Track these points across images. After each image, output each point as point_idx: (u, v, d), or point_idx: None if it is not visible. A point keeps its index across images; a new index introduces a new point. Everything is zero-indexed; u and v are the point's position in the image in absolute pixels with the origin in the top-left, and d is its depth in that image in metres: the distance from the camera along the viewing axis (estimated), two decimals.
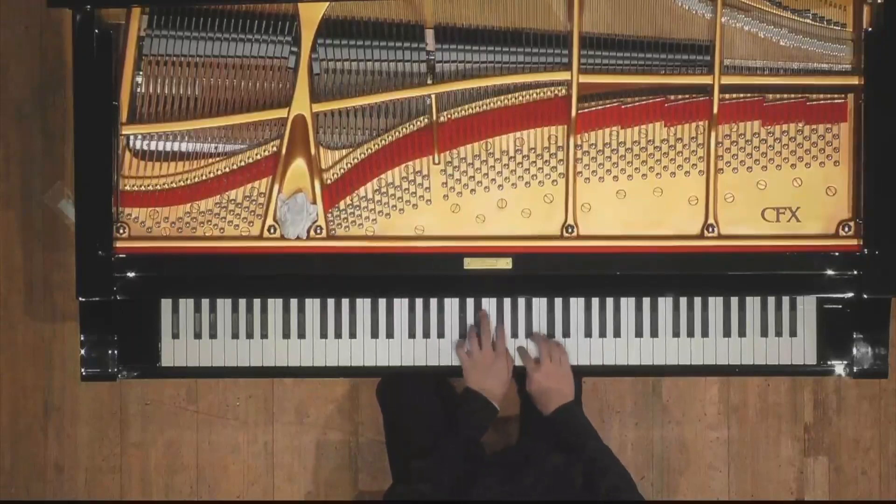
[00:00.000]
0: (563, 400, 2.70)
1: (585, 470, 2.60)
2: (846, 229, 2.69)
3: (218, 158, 2.68)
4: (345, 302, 2.77)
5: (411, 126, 2.68)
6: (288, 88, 2.67)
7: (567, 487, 2.52)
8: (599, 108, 2.69)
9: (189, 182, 2.68)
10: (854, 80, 2.68)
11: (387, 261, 2.67)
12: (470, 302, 2.77)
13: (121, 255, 2.65)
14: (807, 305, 2.77)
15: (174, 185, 2.68)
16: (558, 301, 2.78)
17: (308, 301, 2.77)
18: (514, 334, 2.77)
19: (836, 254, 2.67)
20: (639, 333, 2.78)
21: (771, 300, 2.77)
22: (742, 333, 2.78)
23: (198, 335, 2.77)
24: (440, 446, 2.64)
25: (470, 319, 2.77)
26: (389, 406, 2.94)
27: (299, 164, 2.68)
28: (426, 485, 2.56)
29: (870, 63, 2.66)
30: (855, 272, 2.67)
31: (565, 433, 2.68)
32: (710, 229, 2.69)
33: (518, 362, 2.76)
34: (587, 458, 2.62)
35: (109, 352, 2.71)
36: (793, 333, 2.77)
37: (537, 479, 2.51)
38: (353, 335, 2.78)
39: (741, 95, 2.69)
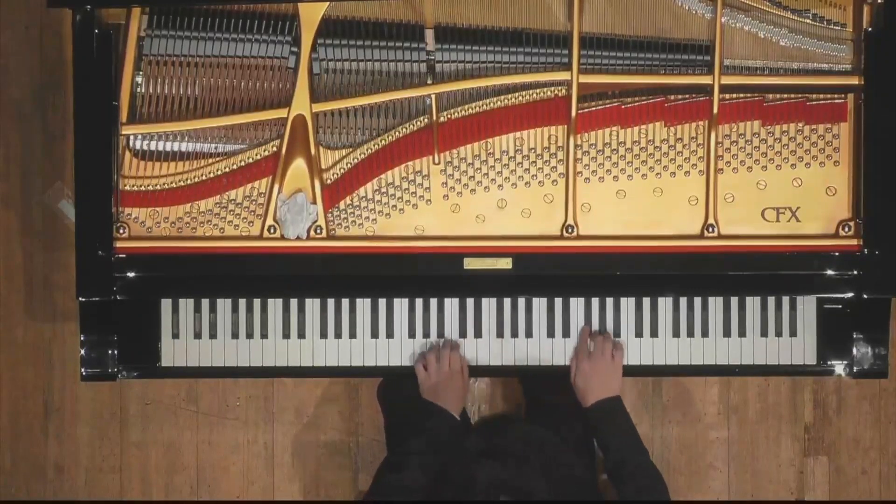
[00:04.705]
0: (606, 394, 2.66)
1: (615, 468, 2.58)
2: (846, 229, 2.68)
3: (218, 158, 2.68)
4: (345, 302, 2.77)
5: (411, 126, 2.68)
6: (288, 88, 2.67)
7: (562, 463, 2.50)
8: (599, 108, 2.68)
9: (189, 182, 2.68)
10: (854, 80, 2.68)
11: (387, 261, 2.67)
12: (470, 302, 2.77)
13: (121, 255, 2.65)
14: (807, 305, 2.76)
15: (174, 185, 2.68)
16: (558, 301, 2.77)
17: (308, 301, 2.77)
18: (515, 334, 2.77)
19: (836, 254, 2.67)
20: (639, 333, 2.77)
21: (771, 300, 2.77)
22: (742, 333, 2.77)
23: (198, 335, 2.76)
24: (412, 446, 2.63)
25: (470, 319, 2.77)
26: (390, 407, 2.94)
27: (299, 164, 2.68)
28: (407, 473, 2.56)
29: (870, 63, 2.66)
30: (855, 272, 2.66)
31: (601, 427, 2.66)
32: (710, 229, 2.69)
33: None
34: (619, 459, 2.59)
35: (109, 352, 2.71)
36: (793, 333, 2.77)
37: (534, 461, 2.49)
38: (353, 335, 2.77)
39: (741, 95, 2.69)
